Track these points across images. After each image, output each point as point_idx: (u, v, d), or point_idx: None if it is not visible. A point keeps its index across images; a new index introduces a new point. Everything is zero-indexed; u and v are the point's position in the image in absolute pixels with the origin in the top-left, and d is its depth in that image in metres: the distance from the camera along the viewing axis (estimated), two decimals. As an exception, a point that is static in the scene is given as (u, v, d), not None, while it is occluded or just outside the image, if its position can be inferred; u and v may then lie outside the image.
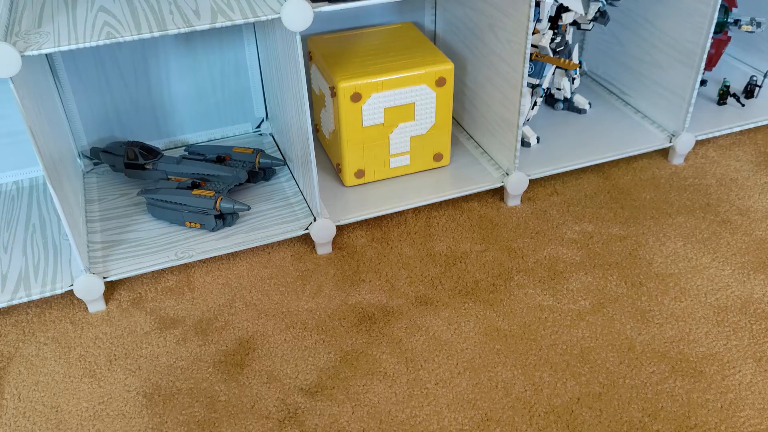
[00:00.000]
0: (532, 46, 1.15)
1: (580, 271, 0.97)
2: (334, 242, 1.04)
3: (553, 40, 1.15)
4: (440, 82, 1.04)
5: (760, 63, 1.42)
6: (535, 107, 1.19)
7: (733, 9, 1.29)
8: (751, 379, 0.81)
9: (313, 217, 1.02)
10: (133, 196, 1.08)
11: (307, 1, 0.82)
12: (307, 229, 1.01)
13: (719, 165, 1.20)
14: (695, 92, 1.13)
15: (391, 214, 1.09)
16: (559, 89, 1.24)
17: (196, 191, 1.00)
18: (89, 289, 0.91)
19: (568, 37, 1.17)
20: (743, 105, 1.29)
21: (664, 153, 1.22)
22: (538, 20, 1.13)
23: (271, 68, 1.08)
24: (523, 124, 1.14)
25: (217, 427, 0.78)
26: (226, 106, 1.22)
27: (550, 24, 1.15)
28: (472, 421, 0.77)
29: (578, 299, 0.93)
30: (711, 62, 1.36)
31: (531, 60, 1.13)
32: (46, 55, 1.05)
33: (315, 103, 1.15)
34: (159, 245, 0.98)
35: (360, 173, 1.08)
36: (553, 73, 1.21)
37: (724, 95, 1.29)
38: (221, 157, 1.10)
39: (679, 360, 0.84)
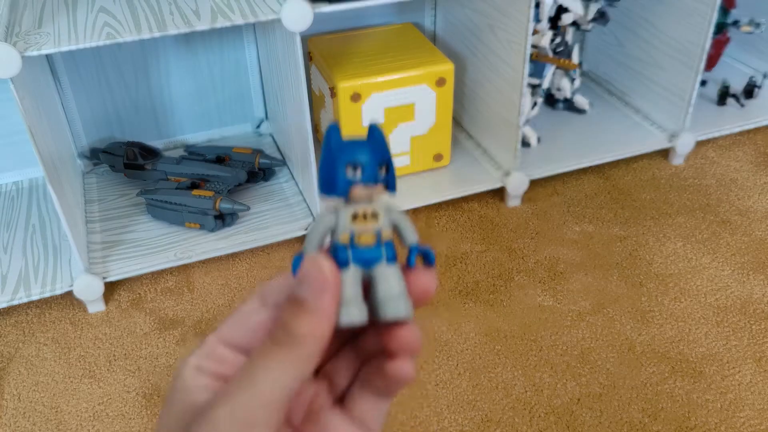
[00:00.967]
0: (532, 46, 1.15)
1: (581, 272, 0.97)
2: (334, 243, 1.03)
3: (553, 40, 1.15)
4: (440, 82, 1.04)
5: (760, 63, 1.42)
6: (535, 107, 1.19)
7: (732, 10, 1.29)
8: (751, 379, 0.81)
9: (312, 218, 1.02)
10: (132, 197, 1.08)
11: (306, 2, 0.82)
12: (306, 229, 1.01)
13: (719, 165, 1.20)
14: (695, 93, 1.13)
15: (391, 214, 1.09)
16: (559, 89, 1.24)
17: (195, 192, 1.00)
18: (89, 289, 0.91)
19: (568, 38, 1.17)
20: (743, 105, 1.29)
21: (664, 153, 1.22)
22: (537, 20, 1.13)
23: (271, 68, 1.08)
24: (524, 125, 1.14)
25: None
26: (226, 107, 1.22)
27: (550, 24, 1.15)
28: (472, 422, 0.77)
29: (578, 300, 0.93)
30: (710, 63, 1.36)
31: (531, 60, 1.13)
32: (46, 55, 1.05)
33: (315, 104, 1.15)
34: (158, 246, 0.98)
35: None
36: (554, 74, 1.21)
37: (723, 96, 1.29)
38: (221, 157, 1.10)
39: (679, 360, 0.84)
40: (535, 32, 1.14)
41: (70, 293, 0.92)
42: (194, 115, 1.21)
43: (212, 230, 1.00)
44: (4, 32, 0.77)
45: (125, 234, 1.00)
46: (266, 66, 1.13)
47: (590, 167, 1.18)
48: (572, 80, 1.24)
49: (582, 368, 0.83)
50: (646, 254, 1.00)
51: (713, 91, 1.33)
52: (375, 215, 0.31)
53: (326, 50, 1.09)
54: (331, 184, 0.31)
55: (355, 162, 0.30)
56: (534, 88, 1.18)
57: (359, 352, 0.34)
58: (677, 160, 1.20)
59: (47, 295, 0.91)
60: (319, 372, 0.35)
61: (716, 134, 1.24)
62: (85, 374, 0.85)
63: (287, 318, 0.29)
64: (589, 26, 1.16)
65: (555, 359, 0.84)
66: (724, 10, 1.26)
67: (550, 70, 1.18)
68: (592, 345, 0.86)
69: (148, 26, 0.80)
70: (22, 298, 0.90)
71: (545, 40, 1.14)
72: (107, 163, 1.12)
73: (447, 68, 1.04)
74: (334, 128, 0.31)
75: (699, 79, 1.11)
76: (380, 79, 1.01)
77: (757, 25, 1.25)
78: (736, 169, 1.19)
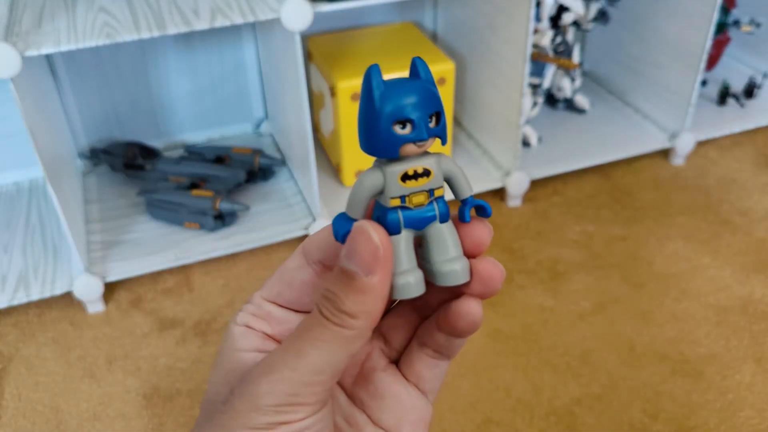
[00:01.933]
0: (533, 45, 1.15)
1: (581, 272, 0.97)
2: (334, 243, 1.03)
3: (553, 40, 1.15)
4: (440, 81, 1.04)
5: (760, 63, 1.42)
6: (535, 107, 1.19)
7: (733, 9, 1.29)
8: (751, 379, 0.81)
9: (312, 218, 1.01)
10: (132, 197, 1.08)
11: (306, 1, 0.82)
12: (306, 229, 1.00)
13: (719, 166, 1.20)
14: (696, 92, 1.12)
15: (391, 214, 1.09)
16: (559, 89, 1.24)
17: (195, 192, 0.99)
18: (89, 289, 0.90)
19: (569, 37, 1.17)
20: (743, 105, 1.29)
21: (665, 153, 1.22)
22: (538, 20, 1.13)
23: (271, 68, 1.08)
24: (524, 124, 1.14)
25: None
26: (226, 106, 1.22)
27: (550, 24, 1.15)
28: (473, 423, 0.77)
29: (579, 300, 0.93)
30: (711, 63, 1.36)
31: (532, 60, 1.13)
32: (46, 55, 1.05)
33: (314, 103, 1.15)
34: (158, 246, 0.98)
35: (360, 173, 1.08)
36: (554, 73, 1.21)
37: (724, 96, 1.29)
38: (220, 157, 1.10)
39: (680, 361, 0.83)
40: (535, 32, 1.14)
41: (69, 293, 0.92)
42: (194, 115, 1.21)
43: (212, 230, 1.00)
44: (4, 32, 0.77)
45: (125, 234, 1.00)
46: (266, 65, 1.13)
47: (591, 167, 1.18)
48: (573, 80, 1.24)
49: (582, 368, 0.83)
50: (647, 254, 1.00)
51: (713, 91, 1.33)
52: (427, 171, 0.27)
53: (326, 49, 1.08)
54: (376, 143, 0.27)
55: (403, 118, 0.26)
56: (534, 87, 1.18)
57: (417, 307, 0.32)
58: (678, 160, 1.20)
59: (47, 295, 0.91)
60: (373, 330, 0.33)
61: (716, 134, 1.23)
62: (85, 374, 0.84)
63: (336, 292, 0.26)
64: (590, 26, 1.16)
65: (555, 360, 0.84)
66: (725, 9, 1.26)
67: (550, 70, 1.18)
68: (592, 345, 0.86)
69: (147, 26, 0.80)
70: (21, 298, 0.90)
71: (546, 39, 1.14)
72: (107, 163, 1.12)
73: (447, 68, 1.04)
74: (375, 70, 0.27)
75: (700, 79, 1.11)
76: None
77: (758, 24, 1.25)
78: (737, 170, 1.19)
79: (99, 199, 1.08)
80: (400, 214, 0.27)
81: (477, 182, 1.09)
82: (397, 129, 0.26)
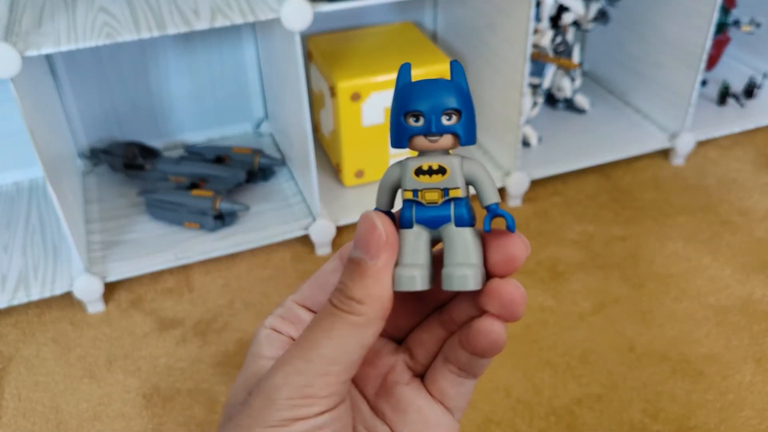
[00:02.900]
0: (533, 45, 1.15)
1: (581, 272, 0.97)
2: (334, 243, 1.03)
3: (553, 40, 1.15)
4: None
5: (760, 63, 1.42)
6: (535, 107, 1.19)
7: (733, 9, 1.29)
8: (751, 379, 0.81)
9: (312, 218, 1.01)
10: (132, 197, 1.08)
11: (306, 1, 0.82)
12: (306, 229, 1.00)
13: (719, 165, 1.20)
14: (696, 93, 1.12)
15: (391, 214, 1.09)
16: (559, 89, 1.24)
17: (195, 192, 0.99)
18: (88, 289, 0.90)
19: (569, 37, 1.17)
20: (743, 105, 1.29)
21: (665, 153, 1.22)
22: (538, 20, 1.13)
23: (271, 68, 1.08)
24: (524, 124, 1.14)
25: (217, 428, 0.78)
26: (226, 106, 1.22)
27: (550, 24, 1.15)
28: (472, 423, 0.77)
29: (579, 300, 0.93)
30: (711, 63, 1.36)
31: (531, 60, 1.13)
32: (46, 55, 1.05)
33: (314, 103, 1.15)
34: (158, 246, 0.98)
35: (360, 173, 1.08)
36: (554, 73, 1.21)
37: (724, 96, 1.29)
38: (220, 157, 1.10)
39: (680, 361, 0.83)
40: (535, 32, 1.14)
41: (69, 293, 0.92)
42: (194, 115, 1.21)
43: (212, 230, 1.00)
44: (4, 32, 0.77)
45: (125, 234, 1.00)
46: (266, 65, 1.13)
47: (591, 167, 1.18)
48: (573, 80, 1.24)
49: (582, 369, 0.83)
50: (647, 254, 1.00)
51: (713, 91, 1.33)
52: (442, 169, 0.27)
53: (326, 49, 1.08)
54: (391, 133, 0.27)
55: (414, 110, 0.27)
56: (534, 87, 1.18)
57: (444, 321, 0.31)
58: (678, 160, 1.20)
59: (47, 295, 0.91)
60: (400, 342, 0.32)
61: (716, 134, 1.23)
62: (85, 374, 0.84)
63: (344, 280, 0.27)
64: (590, 26, 1.16)
65: (555, 360, 0.84)
66: (725, 9, 1.26)
67: (550, 70, 1.18)
68: (592, 345, 0.86)
69: (147, 26, 0.80)
70: (21, 298, 0.90)
71: (546, 39, 1.14)
72: (107, 163, 1.12)
73: (447, 68, 1.04)
74: (405, 69, 0.27)
75: (700, 79, 1.11)
76: (380, 78, 1.01)
77: (758, 24, 1.25)
78: (737, 169, 1.19)
79: (99, 199, 1.08)
80: (413, 208, 0.27)
81: (477, 182, 1.09)
82: (410, 121, 0.27)
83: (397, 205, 0.29)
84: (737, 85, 1.33)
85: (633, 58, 1.26)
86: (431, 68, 1.03)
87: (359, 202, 1.06)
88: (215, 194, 0.99)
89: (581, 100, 1.26)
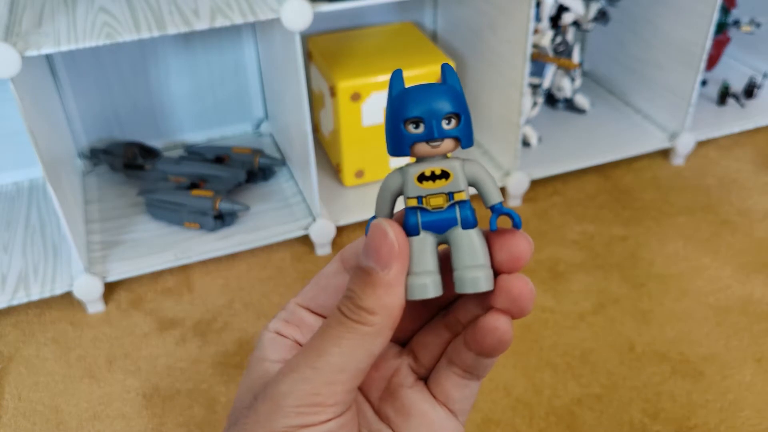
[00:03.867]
0: (533, 45, 1.15)
1: (581, 272, 0.97)
2: (334, 243, 1.03)
3: (553, 40, 1.15)
4: (440, 81, 1.04)
5: (760, 63, 1.42)
6: (535, 107, 1.19)
7: (733, 9, 1.29)
8: (751, 379, 0.81)
9: (312, 218, 1.01)
10: (132, 197, 1.08)
11: (306, 1, 0.82)
12: (306, 229, 1.00)
13: (719, 165, 1.20)
14: (696, 93, 1.12)
15: (391, 214, 1.09)
16: (559, 89, 1.24)
17: (195, 192, 0.99)
18: (88, 289, 0.90)
19: (569, 37, 1.17)
20: (743, 105, 1.29)
21: (665, 153, 1.22)
22: (538, 20, 1.13)
23: (271, 68, 1.08)
24: (524, 124, 1.14)
25: (216, 428, 0.78)
26: (226, 106, 1.22)
27: (550, 24, 1.15)
28: (472, 423, 0.77)
29: (579, 300, 0.93)
30: (711, 63, 1.36)
31: (531, 60, 1.13)
32: (46, 55, 1.05)
33: (314, 103, 1.15)
34: (158, 246, 0.98)
35: (360, 173, 1.08)
36: (554, 73, 1.21)
37: (724, 96, 1.29)
38: (220, 157, 1.10)
39: (680, 361, 0.83)
40: (535, 32, 1.14)
41: (69, 293, 0.92)
42: (194, 115, 1.21)
43: (212, 230, 1.00)
44: (4, 32, 0.77)
45: (125, 234, 1.00)
46: (266, 65, 1.13)
47: (591, 167, 1.18)
48: (573, 80, 1.24)
49: (582, 368, 0.83)
50: (647, 254, 1.00)
51: (713, 91, 1.33)
52: (446, 174, 0.27)
53: (326, 49, 1.08)
54: (390, 141, 0.27)
55: (414, 117, 0.27)
56: (534, 87, 1.18)
57: (449, 323, 0.31)
58: (678, 160, 1.20)
59: (47, 295, 0.91)
60: (404, 345, 0.32)
61: (716, 134, 1.23)
62: (85, 374, 0.84)
63: (354, 289, 0.26)
64: (590, 26, 1.16)
65: (555, 359, 0.84)
66: (725, 9, 1.26)
67: (550, 70, 1.18)
68: (592, 345, 0.86)
69: (147, 26, 0.80)
70: (21, 298, 0.90)
71: (546, 39, 1.14)
72: (107, 163, 1.12)
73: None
74: (397, 75, 0.27)
75: (700, 79, 1.11)
76: (380, 78, 1.01)
77: (758, 25, 1.25)
78: (737, 169, 1.19)
79: (99, 199, 1.08)
80: (419, 215, 0.27)
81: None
82: (410, 128, 0.27)
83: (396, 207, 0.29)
84: (737, 85, 1.33)
85: (633, 58, 1.26)
86: (431, 68, 1.03)
87: (359, 202, 1.06)
88: (215, 194, 0.99)
89: (581, 100, 1.26)
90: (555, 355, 0.85)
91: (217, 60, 1.17)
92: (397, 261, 0.26)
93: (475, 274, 0.27)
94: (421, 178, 0.27)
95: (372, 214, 0.29)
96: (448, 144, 0.27)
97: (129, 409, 0.80)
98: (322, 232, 1.00)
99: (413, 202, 0.27)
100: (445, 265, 0.28)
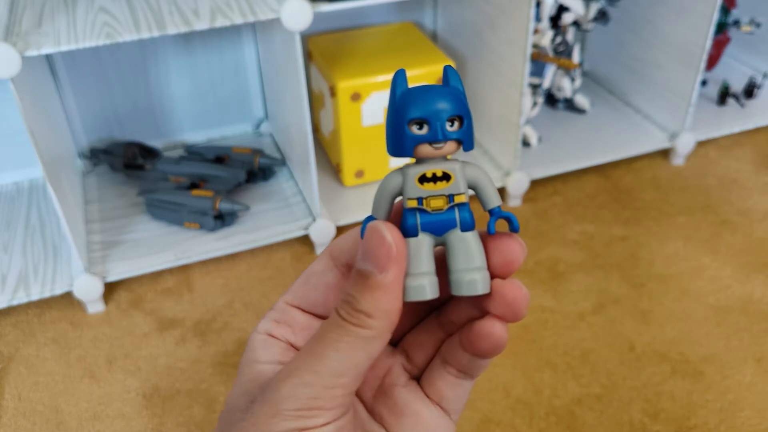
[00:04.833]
0: (533, 45, 1.15)
1: (581, 272, 0.97)
2: (334, 243, 1.03)
3: (553, 40, 1.15)
4: (440, 81, 1.04)
5: (760, 63, 1.42)
6: (535, 107, 1.19)
7: (733, 9, 1.29)
8: (751, 379, 0.81)
9: (312, 218, 1.01)
10: (132, 197, 1.08)
11: (306, 1, 0.82)
12: (306, 229, 1.00)
13: (720, 165, 1.20)
14: (696, 93, 1.12)
15: (391, 214, 1.09)
16: (559, 89, 1.24)
17: (195, 192, 0.99)
18: (88, 289, 0.90)
19: (569, 37, 1.17)
20: (743, 105, 1.29)
21: (665, 153, 1.22)
22: (538, 20, 1.13)
23: (271, 68, 1.08)
24: (524, 124, 1.14)
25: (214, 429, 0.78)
26: (225, 106, 1.22)
27: (550, 24, 1.15)
28: (471, 423, 0.77)
29: (579, 300, 0.93)
30: (711, 63, 1.36)
31: (531, 60, 1.13)
32: (46, 55, 1.05)
33: (314, 103, 1.15)
34: (158, 246, 0.98)
35: (360, 173, 1.08)
36: (554, 73, 1.21)
37: (724, 96, 1.29)
38: (220, 157, 1.10)
39: (680, 361, 0.83)
40: (535, 32, 1.14)
41: (69, 293, 0.92)
42: (194, 115, 1.21)
43: (212, 230, 1.00)
44: (4, 32, 0.77)
45: (125, 234, 1.00)
46: (266, 65, 1.13)
47: (591, 167, 1.18)
48: (573, 80, 1.24)
49: (582, 368, 0.83)
50: (647, 254, 1.00)
51: (713, 91, 1.33)
52: (447, 176, 0.27)
53: (326, 49, 1.08)
54: (393, 142, 0.27)
55: (418, 118, 0.27)
56: (535, 87, 1.18)
57: (443, 323, 0.31)
58: (678, 160, 1.20)
59: (47, 295, 0.91)
60: (396, 344, 0.32)
61: (716, 134, 1.23)
62: (85, 374, 0.84)
63: (352, 293, 0.26)
64: (590, 26, 1.16)
65: (555, 359, 0.84)
66: (725, 9, 1.26)
67: (550, 70, 1.18)
68: (592, 345, 0.86)
69: (147, 26, 0.80)
70: (21, 298, 0.90)
71: (546, 39, 1.14)
72: (107, 163, 1.12)
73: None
74: (401, 75, 0.27)
75: (700, 79, 1.11)
76: (380, 78, 1.01)
77: (758, 24, 1.25)
78: (737, 169, 1.19)
79: (99, 199, 1.08)
80: (418, 216, 0.27)
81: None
82: (414, 129, 0.27)
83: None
84: (737, 85, 1.33)
85: (633, 58, 1.26)
86: (431, 68, 1.03)
87: (359, 202, 1.06)
88: (215, 194, 0.99)
89: (581, 100, 1.26)
90: (555, 355, 0.85)
91: (217, 60, 1.17)
92: (395, 264, 0.26)
93: (472, 277, 0.27)
94: (423, 179, 0.27)
95: (370, 214, 0.29)
96: (450, 146, 0.27)
97: (129, 409, 0.80)
98: (322, 232, 1.00)
99: (413, 203, 0.27)
100: (440, 266, 0.28)
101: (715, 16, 1.04)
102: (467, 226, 0.28)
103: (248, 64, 1.19)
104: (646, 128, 1.22)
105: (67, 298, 0.94)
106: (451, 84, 0.28)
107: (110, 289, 0.96)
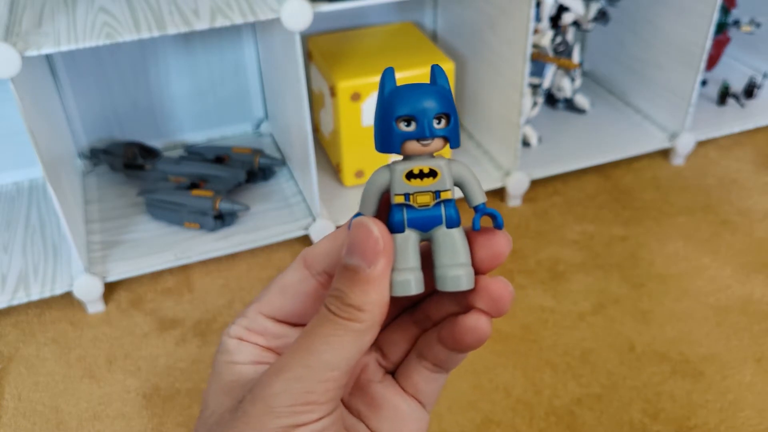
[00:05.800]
0: (533, 45, 1.15)
1: (581, 272, 0.97)
2: (334, 243, 1.03)
3: (553, 40, 1.15)
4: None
5: (760, 63, 1.42)
6: (535, 107, 1.19)
7: (733, 9, 1.29)
8: (751, 379, 0.81)
9: (312, 218, 1.01)
10: (132, 197, 1.08)
11: (306, 1, 0.82)
12: (306, 229, 1.00)
13: (720, 165, 1.20)
14: (696, 93, 1.12)
15: (391, 214, 1.09)
16: (559, 89, 1.24)
17: (195, 192, 0.99)
18: (88, 289, 0.90)
19: (569, 37, 1.17)
20: (743, 105, 1.29)
21: (665, 153, 1.22)
22: (538, 20, 1.13)
23: (271, 68, 1.08)
24: (524, 124, 1.14)
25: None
26: (226, 106, 1.22)
27: (550, 24, 1.15)
28: (472, 423, 0.77)
29: (579, 300, 0.93)
30: (711, 63, 1.36)
31: (531, 60, 1.13)
32: (46, 55, 1.05)
33: (314, 103, 1.15)
34: (158, 246, 0.98)
35: (360, 173, 1.08)
36: (554, 73, 1.21)
37: (724, 96, 1.29)
38: (220, 157, 1.10)
39: (680, 361, 0.83)
40: (535, 32, 1.14)
41: (69, 293, 0.92)
42: (194, 115, 1.21)
43: (212, 230, 1.00)
44: (4, 32, 0.77)
45: (125, 234, 1.00)
46: (266, 65, 1.13)
47: (591, 167, 1.18)
48: (573, 80, 1.24)
49: (582, 369, 0.83)
50: (647, 254, 1.00)
51: (713, 91, 1.33)
52: (433, 172, 0.27)
53: (326, 49, 1.08)
54: (381, 138, 0.28)
55: (406, 115, 0.27)
56: (535, 87, 1.18)
57: (418, 319, 0.31)
58: (678, 160, 1.20)
59: (47, 295, 0.91)
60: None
61: (717, 134, 1.23)
62: (85, 374, 0.84)
63: (341, 287, 0.27)
64: (590, 26, 1.16)
65: (555, 360, 0.84)
66: (725, 9, 1.26)
67: (550, 70, 1.18)
68: (592, 345, 0.86)
69: (147, 26, 0.80)
70: (21, 298, 0.90)
71: (546, 39, 1.14)
72: (107, 163, 1.12)
73: (447, 67, 1.04)
74: (389, 73, 0.28)
75: (700, 79, 1.11)
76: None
77: (758, 24, 1.25)
78: (737, 169, 1.19)
79: (99, 199, 1.08)
80: (405, 212, 0.28)
81: (477, 182, 1.09)
82: (402, 126, 0.27)
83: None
84: (737, 85, 1.33)
85: (633, 58, 1.26)
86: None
87: (359, 202, 1.06)
88: (215, 194, 0.99)
89: (581, 100, 1.26)
90: (555, 355, 0.85)
91: (217, 60, 1.17)
92: (382, 257, 0.27)
93: (456, 273, 0.27)
94: (410, 175, 0.28)
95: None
96: (437, 143, 0.28)
97: (129, 409, 0.80)
98: (322, 232, 1.00)
99: (400, 199, 0.28)
100: (424, 262, 0.29)
101: (715, 16, 1.04)
102: (453, 223, 0.28)
103: (248, 64, 1.19)
104: (646, 128, 1.22)
105: (67, 298, 0.94)
106: (438, 83, 0.28)
107: (110, 289, 0.96)
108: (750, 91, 1.29)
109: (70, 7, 0.86)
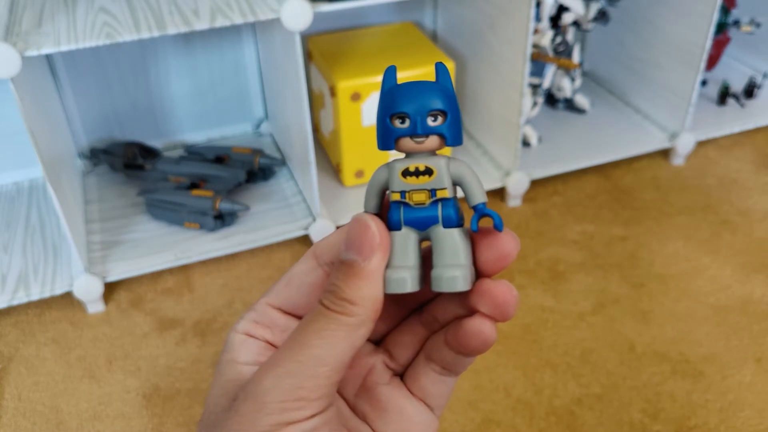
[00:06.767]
0: (533, 45, 1.15)
1: (581, 272, 0.97)
2: (334, 243, 1.03)
3: (553, 40, 1.15)
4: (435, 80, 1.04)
5: (760, 63, 1.42)
6: (535, 107, 1.19)
7: (733, 9, 1.29)
8: (751, 379, 0.81)
9: (312, 218, 1.01)
10: (132, 197, 1.08)
11: (306, 1, 0.82)
12: (306, 229, 1.00)
13: (720, 165, 1.20)
14: (696, 93, 1.12)
15: (391, 214, 1.08)
16: (559, 89, 1.24)
17: (195, 192, 0.99)
18: (88, 289, 0.90)
19: (569, 37, 1.17)
20: (743, 105, 1.29)
21: (665, 153, 1.22)
22: (538, 20, 1.13)
23: (271, 68, 1.08)
24: (524, 124, 1.14)
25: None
26: (226, 106, 1.22)
27: (550, 24, 1.15)
28: (472, 423, 0.77)
29: (579, 300, 0.93)
30: (711, 63, 1.36)
31: (531, 60, 1.13)
32: (46, 55, 1.05)
33: (314, 103, 1.15)
34: (158, 246, 0.98)
35: (360, 173, 1.08)
36: (554, 73, 1.21)
37: (724, 96, 1.29)
38: (220, 157, 1.10)
39: (680, 361, 0.83)
40: (535, 32, 1.14)
41: (69, 293, 0.92)
42: (194, 115, 1.21)
43: (212, 230, 1.00)
44: (4, 32, 0.77)
45: (125, 234, 1.00)
46: (266, 65, 1.13)
47: (591, 167, 1.18)
48: (573, 80, 1.24)
49: (582, 368, 0.83)
50: (647, 254, 1.00)
51: (713, 91, 1.33)
52: (429, 170, 0.27)
53: (326, 49, 1.08)
54: (380, 137, 0.28)
55: (400, 112, 0.27)
56: (535, 87, 1.18)
57: (426, 321, 0.31)
58: (678, 160, 1.20)
59: (47, 295, 0.91)
60: (379, 343, 0.32)
61: (716, 134, 1.23)
62: (84, 374, 0.84)
63: (336, 282, 0.27)
64: (590, 26, 1.16)
65: (555, 359, 0.84)
66: (725, 9, 1.26)
67: (550, 70, 1.18)
68: (592, 345, 0.86)
69: (147, 26, 0.80)
70: (21, 298, 0.90)
71: (546, 39, 1.14)
72: (107, 163, 1.12)
73: (447, 67, 1.04)
74: (391, 71, 0.28)
75: (700, 79, 1.11)
76: (380, 78, 1.00)
77: (758, 24, 1.25)
78: (737, 169, 1.19)
79: (99, 199, 1.08)
80: (401, 210, 0.28)
81: (477, 182, 1.09)
82: (396, 123, 0.27)
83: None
84: (737, 85, 1.33)
85: (633, 58, 1.26)
86: (431, 68, 1.03)
87: (359, 202, 1.06)
88: (215, 194, 0.99)
89: (581, 100, 1.26)
90: (555, 355, 0.85)
91: (217, 60, 1.17)
92: (378, 252, 0.26)
93: (452, 274, 0.27)
94: (405, 173, 0.27)
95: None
96: (433, 141, 0.27)
97: (129, 409, 0.80)
98: (322, 232, 1.00)
99: (397, 197, 0.28)
100: (427, 262, 0.28)
101: (715, 16, 1.04)
102: (450, 223, 0.28)
103: (248, 64, 1.19)
104: (646, 128, 1.22)
105: (67, 298, 0.94)
106: (440, 80, 0.28)
107: (110, 289, 0.96)
108: (750, 91, 1.29)
109: (70, 7, 0.86)
